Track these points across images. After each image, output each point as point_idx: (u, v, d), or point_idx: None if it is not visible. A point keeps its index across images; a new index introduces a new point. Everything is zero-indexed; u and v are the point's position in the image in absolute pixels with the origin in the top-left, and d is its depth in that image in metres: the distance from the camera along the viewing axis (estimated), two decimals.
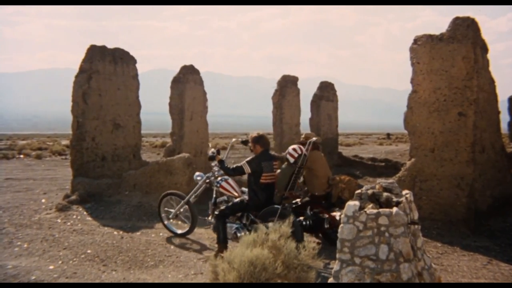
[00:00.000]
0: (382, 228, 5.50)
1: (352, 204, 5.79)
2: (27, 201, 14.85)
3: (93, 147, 14.55)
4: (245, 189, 9.17)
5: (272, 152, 9.15)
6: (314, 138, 9.62)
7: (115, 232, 10.83)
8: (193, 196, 10.12)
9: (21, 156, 39.28)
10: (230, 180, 9.27)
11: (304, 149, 9.26)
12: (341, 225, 5.82)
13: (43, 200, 14.90)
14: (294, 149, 9.29)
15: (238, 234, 8.56)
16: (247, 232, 8.19)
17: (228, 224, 8.82)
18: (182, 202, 10.34)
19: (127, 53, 15.70)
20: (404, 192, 6.09)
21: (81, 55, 15.09)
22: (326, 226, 9.09)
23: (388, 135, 69.17)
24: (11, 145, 51.60)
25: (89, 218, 12.20)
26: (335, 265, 5.71)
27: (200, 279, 7.68)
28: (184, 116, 17.12)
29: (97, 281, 7.60)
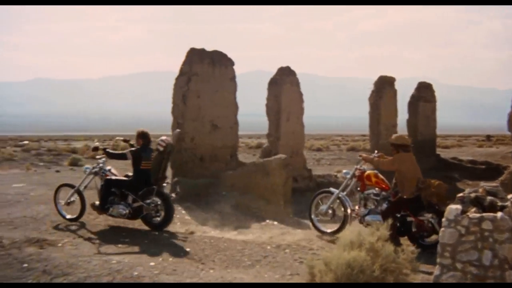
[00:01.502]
0: (486, 233, 5.31)
1: (454, 208, 5.62)
2: None
3: (192, 148, 14.86)
4: (130, 174, 11.03)
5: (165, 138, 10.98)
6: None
7: (213, 232, 11.02)
8: (83, 187, 11.61)
9: None
10: (113, 169, 11.29)
11: (170, 139, 11.12)
12: (442, 229, 5.67)
13: None
14: (162, 140, 10.84)
15: (123, 212, 10.59)
16: (131, 210, 10.54)
17: (115, 205, 10.69)
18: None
19: (225, 55, 15.91)
20: (509, 196, 5.85)
21: (180, 58, 15.43)
22: (413, 229, 9.37)
23: (488, 137, 66.52)
24: (114, 146, 53.64)
25: (188, 217, 12.47)
26: (436, 270, 5.57)
27: (297, 280, 7.67)
28: (280, 117, 17.21)
29: (195, 278, 7.75)
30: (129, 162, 10.99)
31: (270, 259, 8.88)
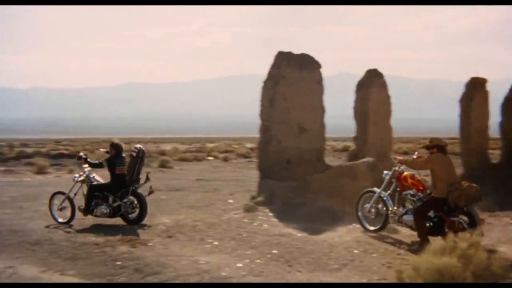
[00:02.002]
0: None
1: None
2: (215, 201, 15.62)
3: (279, 150, 14.91)
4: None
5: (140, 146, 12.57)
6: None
7: (299, 234, 11.00)
8: (73, 194, 12.61)
9: (210, 158, 41.38)
10: (96, 176, 12.67)
11: (142, 146, 12.63)
12: None
13: (230, 201, 15.57)
14: (135, 147, 12.45)
15: (105, 211, 11.94)
16: (111, 209, 11.94)
17: (98, 206, 12.06)
18: None
19: (312, 58, 15.87)
20: None
21: (266, 61, 15.53)
22: (446, 230, 9.61)
23: None
24: (201, 148, 54.55)
25: (275, 220, 12.52)
26: None
27: None
28: (368, 120, 17.00)
29: (282, 281, 7.77)
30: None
31: (357, 263, 8.77)
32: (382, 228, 10.93)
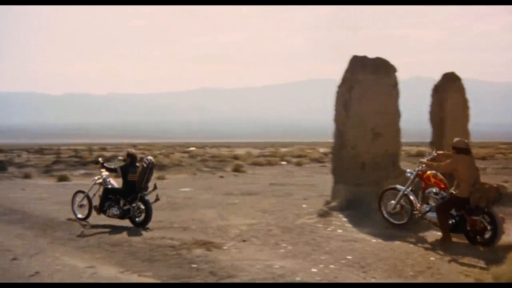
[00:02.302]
0: None
1: None
2: (289, 206, 15.63)
3: (353, 155, 14.76)
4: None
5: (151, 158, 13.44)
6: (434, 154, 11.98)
7: (374, 240, 10.87)
8: (92, 194, 13.97)
9: (283, 162, 41.43)
10: (112, 180, 13.87)
11: (152, 159, 13.38)
12: None
13: (304, 205, 15.55)
14: (146, 158, 13.30)
15: (116, 213, 12.99)
16: (121, 211, 12.93)
17: (111, 208, 13.16)
18: None
19: (387, 62, 15.64)
20: None
21: (339, 65, 15.44)
22: (468, 228, 10.33)
23: None
24: (274, 152, 54.66)
25: (349, 225, 12.40)
26: None
27: None
28: (444, 125, 16.61)
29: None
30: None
31: (434, 271, 8.59)
32: (407, 223, 11.65)
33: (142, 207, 13.00)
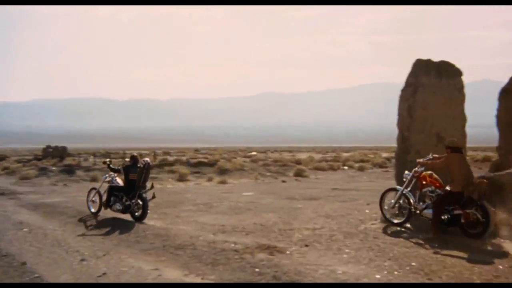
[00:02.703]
0: None
1: None
2: (352, 211, 15.52)
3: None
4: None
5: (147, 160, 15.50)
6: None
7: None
8: (102, 191, 15.94)
9: (345, 167, 41.17)
10: (118, 179, 15.82)
11: (148, 160, 15.43)
12: None
13: (367, 211, 15.41)
14: (143, 160, 15.33)
15: (119, 208, 14.94)
16: (123, 207, 14.81)
17: (115, 203, 15.11)
18: None
19: (452, 65, 15.34)
20: None
21: (403, 69, 15.23)
22: (462, 221, 11.09)
23: None
24: (336, 157, 54.38)
25: (413, 230, 12.19)
26: None
27: None
28: None
29: None
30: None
31: (503, 279, 8.36)
32: (405, 221, 12.37)
33: (140, 203, 14.76)
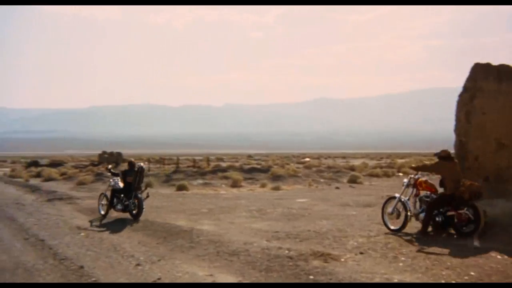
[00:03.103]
0: None
1: None
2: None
3: (475, 167, 14.18)
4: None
5: (142, 164, 17.78)
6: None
7: (499, 256, 10.33)
8: (109, 194, 17.67)
9: (400, 174, 40.57)
10: (120, 183, 17.44)
11: (142, 164, 17.65)
12: None
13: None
14: (138, 164, 17.36)
15: (120, 207, 16.88)
16: (123, 206, 16.73)
17: (117, 204, 17.01)
18: None
19: None
20: None
21: (460, 73, 14.91)
22: (455, 220, 11.89)
23: None
24: (391, 163, 53.65)
25: (471, 239, 11.87)
26: None
27: None
28: None
29: None
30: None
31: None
32: (402, 227, 12.79)
33: (136, 203, 16.60)
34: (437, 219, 12.13)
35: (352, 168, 44.53)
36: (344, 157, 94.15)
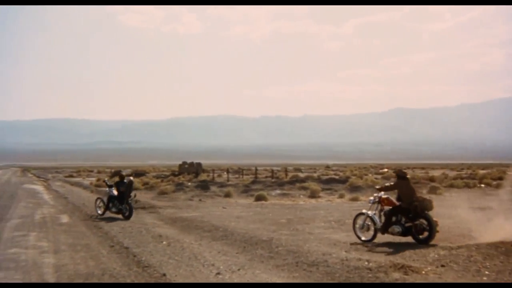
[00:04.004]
0: None
1: None
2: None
3: None
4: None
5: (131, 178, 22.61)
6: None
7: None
8: (105, 199, 22.05)
9: (482, 185, 39.41)
10: (114, 190, 21.41)
11: (131, 178, 22.41)
12: None
13: None
14: (127, 178, 21.83)
15: (114, 210, 21.01)
16: (117, 210, 20.94)
17: (113, 207, 21.10)
18: None
19: None
20: None
21: None
22: (413, 230, 13.62)
23: None
24: (472, 174, 52.19)
25: None
26: None
27: None
28: None
29: None
30: None
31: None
32: (372, 239, 14.21)
33: (127, 207, 20.85)
34: (397, 229, 13.79)
35: (432, 179, 43.59)
36: (423, 168, 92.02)
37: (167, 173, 65.46)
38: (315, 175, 49.69)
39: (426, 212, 13.59)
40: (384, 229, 14.00)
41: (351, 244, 13.15)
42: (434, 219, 13.52)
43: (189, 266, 11.02)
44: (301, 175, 51.91)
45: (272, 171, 55.36)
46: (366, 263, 10.56)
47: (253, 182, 39.50)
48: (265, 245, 13.22)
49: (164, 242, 14.21)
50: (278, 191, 34.34)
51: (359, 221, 14.72)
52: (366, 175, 51.29)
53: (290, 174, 52.76)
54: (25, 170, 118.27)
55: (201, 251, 12.80)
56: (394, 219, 14.00)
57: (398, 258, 11.04)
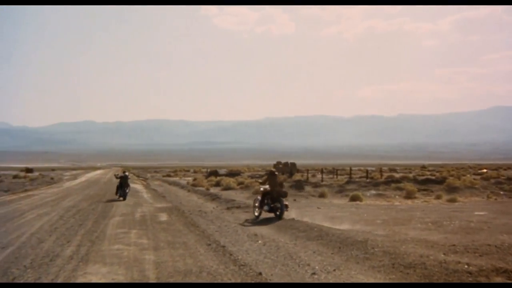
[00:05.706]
0: None
1: None
2: None
3: None
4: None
5: (126, 173, 33.67)
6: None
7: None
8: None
9: None
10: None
11: (127, 173, 33.47)
12: None
13: None
14: (123, 173, 32.78)
15: (120, 194, 31.23)
16: (119, 194, 31.55)
17: (119, 193, 31.38)
18: None
19: None
20: None
21: None
22: (274, 209, 20.15)
23: None
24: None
25: None
26: None
27: None
28: None
29: None
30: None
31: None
32: (258, 216, 20.21)
33: (122, 193, 30.87)
34: (266, 208, 20.12)
35: None
36: None
37: (262, 173, 65.94)
38: (411, 175, 48.62)
39: (280, 198, 19.96)
40: (260, 207, 20.31)
41: (450, 246, 12.80)
42: (285, 203, 20.07)
43: (284, 266, 11.08)
44: (396, 175, 50.97)
45: (367, 171, 54.65)
46: (466, 266, 10.24)
47: (348, 182, 39.20)
48: (361, 245, 13.09)
49: (259, 241, 14.36)
50: (373, 192, 33.93)
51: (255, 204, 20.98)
52: (464, 175, 49.71)
53: (385, 175, 51.97)
54: (125, 170, 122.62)
55: (296, 251, 12.83)
56: (266, 201, 20.22)
57: (500, 262, 10.64)
